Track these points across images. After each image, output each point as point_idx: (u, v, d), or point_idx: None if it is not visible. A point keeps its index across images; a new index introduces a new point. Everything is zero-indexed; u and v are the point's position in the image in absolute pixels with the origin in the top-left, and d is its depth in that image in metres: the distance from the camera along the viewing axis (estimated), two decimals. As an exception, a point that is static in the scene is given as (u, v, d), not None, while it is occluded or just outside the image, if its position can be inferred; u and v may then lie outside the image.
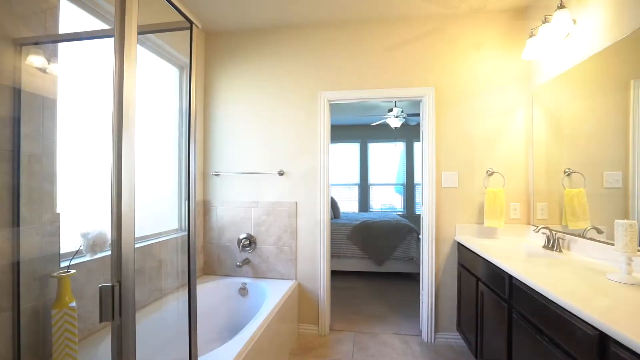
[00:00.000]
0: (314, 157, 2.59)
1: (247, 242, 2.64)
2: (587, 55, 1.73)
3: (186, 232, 2.48)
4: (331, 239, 3.99)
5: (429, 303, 2.44)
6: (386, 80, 2.51)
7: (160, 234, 2.22)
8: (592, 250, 1.66)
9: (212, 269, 2.73)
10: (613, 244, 1.34)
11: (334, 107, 5.15)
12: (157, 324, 1.91)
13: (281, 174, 2.61)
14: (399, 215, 5.17)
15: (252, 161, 2.68)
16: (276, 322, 2.05)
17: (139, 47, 2.00)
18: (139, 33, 0.84)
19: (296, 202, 2.60)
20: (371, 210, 6.68)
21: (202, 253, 2.74)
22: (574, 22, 1.81)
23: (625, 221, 1.26)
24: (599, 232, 1.65)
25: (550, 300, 1.19)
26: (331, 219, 4.52)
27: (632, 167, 1.46)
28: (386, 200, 6.71)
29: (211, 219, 2.73)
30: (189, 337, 1.06)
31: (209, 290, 2.47)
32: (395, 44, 2.49)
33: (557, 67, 2.00)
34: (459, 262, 2.36)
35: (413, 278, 4.00)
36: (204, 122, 2.75)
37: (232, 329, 2.40)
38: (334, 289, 3.64)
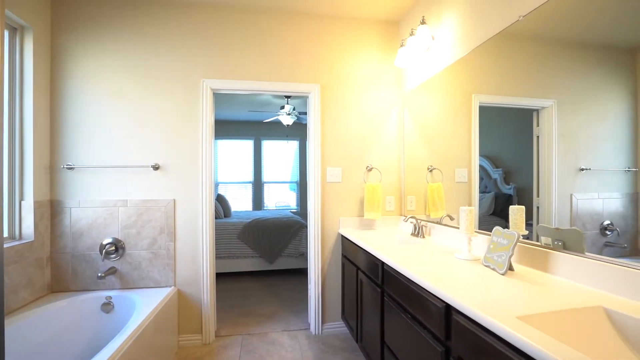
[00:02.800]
0: (195, 150, 2.35)
1: (113, 248, 2.24)
2: (441, 68, 2.02)
3: (19, 242, 1.96)
4: (221, 239, 3.76)
5: (316, 296, 2.51)
6: (275, 74, 2.46)
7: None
8: (446, 234, 1.95)
9: (64, 285, 2.22)
10: (459, 228, 1.58)
11: (222, 99, 4.91)
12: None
13: (156, 168, 2.30)
14: (292, 212, 5.24)
15: (119, 153, 2.27)
16: (148, 336, 1.78)
17: None
18: None
19: (174, 200, 2.32)
20: (266, 208, 6.60)
21: (49, 266, 2.20)
22: (433, 37, 2.10)
23: (467, 207, 1.50)
24: (451, 218, 1.95)
25: (411, 280, 1.33)
26: (221, 218, 4.27)
27: (473, 164, 1.76)
28: (281, 199, 6.74)
29: (63, 222, 2.22)
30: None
31: (58, 312, 2.00)
32: (287, 37, 2.47)
33: (421, 75, 2.28)
34: (342, 254, 2.49)
35: (305, 273, 4.09)
36: (52, 103, 2.21)
37: (93, 354, 2.00)
38: (223, 291, 3.44)
